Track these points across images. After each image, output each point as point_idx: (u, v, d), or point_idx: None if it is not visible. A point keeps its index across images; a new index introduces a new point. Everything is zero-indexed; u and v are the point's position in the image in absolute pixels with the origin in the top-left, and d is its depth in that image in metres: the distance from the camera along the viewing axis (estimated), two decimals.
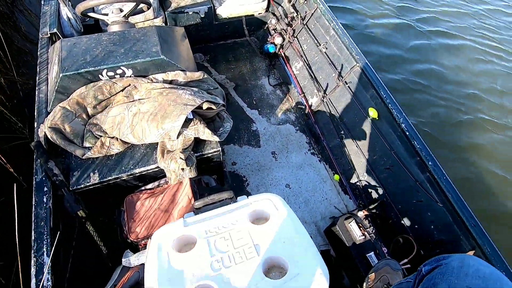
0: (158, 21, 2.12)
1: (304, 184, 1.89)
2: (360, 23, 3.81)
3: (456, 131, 2.86)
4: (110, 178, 1.26)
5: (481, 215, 1.32)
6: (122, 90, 1.36)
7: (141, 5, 1.64)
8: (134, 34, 1.43)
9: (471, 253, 1.24)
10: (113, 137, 1.29)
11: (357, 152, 1.80)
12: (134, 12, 1.74)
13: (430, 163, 1.38)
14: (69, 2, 1.88)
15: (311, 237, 1.70)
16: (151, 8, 2.03)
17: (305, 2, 2.26)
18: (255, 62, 2.55)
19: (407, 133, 1.48)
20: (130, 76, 1.37)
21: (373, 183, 1.71)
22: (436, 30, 3.90)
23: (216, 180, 1.57)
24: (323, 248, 1.66)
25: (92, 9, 1.92)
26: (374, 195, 1.70)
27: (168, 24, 2.24)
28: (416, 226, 1.48)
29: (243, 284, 0.74)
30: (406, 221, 1.53)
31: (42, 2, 1.86)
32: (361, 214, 1.48)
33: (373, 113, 1.68)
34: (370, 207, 1.52)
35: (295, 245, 0.85)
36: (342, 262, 1.54)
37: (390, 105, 1.58)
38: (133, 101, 1.35)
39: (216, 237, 0.90)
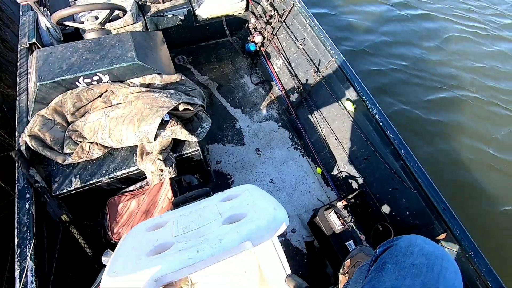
0: (138, 26, 2.15)
1: (287, 178, 1.93)
2: (341, 10, 3.88)
3: (433, 109, 2.95)
4: (91, 182, 1.29)
5: (453, 198, 1.37)
6: (100, 96, 1.39)
7: (117, 12, 1.67)
8: (109, 41, 1.46)
9: (442, 236, 1.30)
10: (92, 142, 1.33)
11: (337, 145, 1.85)
12: (112, 19, 1.77)
13: (402, 151, 1.43)
14: (48, 12, 1.91)
15: (295, 229, 1.75)
16: (130, 13, 2.07)
17: (283, 0, 2.30)
18: (237, 62, 2.59)
19: (381, 124, 1.53)
20: (107, 82, 1.41)
21: (353, 173, 1.76)
22: (415, 14, 3.97)
23: (199, 179, 1.62)
24: (307, 239, 1.70)
25: (72, 17, 1.95)
26: (354, 185, 1.75)
27: (148, 28, 2.27)
28: (393, 213, 1.54)
29: (202, 235, 0.72)
30: (384, 209, 1.58)
31: (21, 13, 1.89)
32: (340, 204, 1.53)
33: (349, 105, 1.73)
34: (349, 197, 1.56)
35: (260, 203, 0.81)
36: (325, 251, 1.59)
37: (364, 97, 1.62)
38: (111, 106, 1.38)
39: (185, 216, 0.88)
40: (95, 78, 1.37)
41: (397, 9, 4.00)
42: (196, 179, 1.57)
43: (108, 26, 1.91)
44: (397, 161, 1.49)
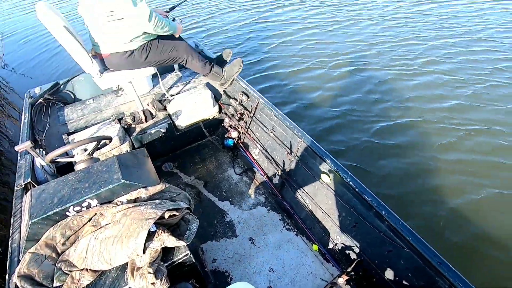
0: (125, 146, 2.39)
1: (286, 263, 1.89)
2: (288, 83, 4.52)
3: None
4: None
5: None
6: (89, 221, 1.47)
7: (103, 141, 1.90)
8: (97, 168, 1.62)
9: None
10: (82, 269, 1.34)
11: (325, 217, 1.89)
12: (99, 147, 1.99)
13: (383, 212, 1.49)
14: (44, 152, 2.14)
15: None
16: (117, 137, 2.33)
17: (249, 99, 2.66)
18: (219, 157, 2.80)
19: (357, 190, 1.62)
20: (96, 206, 1.51)
21: (347, 243, 1.75)
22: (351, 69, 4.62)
23: (195, 284, 1.57)
24: None
25: (65, 153, 2.18)
26: (352, 255, 1.72)
27: (134, 145, 2.52)
28: (397, 278, 1.48)
29: None
30: (387, 275, 1.53)
31: (18, 157, 2.11)
32: (341, 280, 1.48)
33: (326, 178, 1.85)
34: (348, 270, 1.53)
35: None
36: None
37: (336, 168, 1.76)
38: (100, 228, 1.45)
39: None
40: (84, 204, 1.47)
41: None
42: (191, 285, 1.53)
43: (97, 153, 2.13)
44: (382, 222, 1.53)
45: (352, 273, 1.54)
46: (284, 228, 2.11)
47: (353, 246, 1.71)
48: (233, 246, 2.02)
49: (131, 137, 2.49)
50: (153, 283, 1.29)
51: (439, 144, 3.24)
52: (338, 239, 1.81)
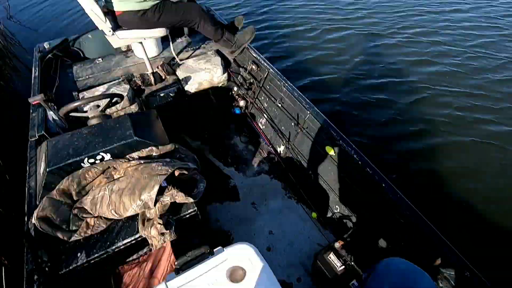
0: (134, 107, 2.41)
1: (286, 227, 1.99)
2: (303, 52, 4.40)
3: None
4: (97, 255, 1.36)
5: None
6: (103, 173, 1.54)
7: (115, 99, 1.93)
8: (110, 124, 1.67)
9: (438, 261, 1.34)
10: (97, 216, 1.43)
11: (326, 188, 1.96)
12: (111, 104, 2.02)
13: (383, 184, 1.55)
14: (54, 106, 2.17)
15: (300, 278, 1.76)
16: (127, 97, 2.35)
17: (258, 69, 2.65)
18: (226, 125, 2.83)
19: (359, 163, 1.68)
20: (109, 159, 1.57)
21: (345, 213, 1.84)
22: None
23: (199, 239, 1.68)
24: (314, 287, 1.69)
25: (77, 108, 2.21)
26: (349, 224, 1.81)
27: (144, 108, 2.54)
28: (389, 246, 1.58)
29: None
30: (381, 243, 1.62)
31: (31, 110, 2.15)
32: (337, 245, 1.58)
33: (329, 150, 1.90)
34: (345, 236, 1.62)
35: None
36: None
37: (341, 141, 1.80)
38: (113, 180, 1.52)
39: None
40: (98, 157, 1.53)
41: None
42: (196, 239, 1.64)
43: (108, 110, 2.16)
44: (381, 195, 1.60)
45: (348, 239, 1.63)
46: (285, 196, 2.19)
47: (351, 216, 1.80)
48: (235, 209, 2.11)
49: (140, 99, 2.50)
50: (162, 233, 1.39)
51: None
52: (337, 208, 1.90)
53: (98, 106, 1.85)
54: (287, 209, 2.10)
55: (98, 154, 1.52)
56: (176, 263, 1.19)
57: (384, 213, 1.58)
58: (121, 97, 1.89)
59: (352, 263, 1.51)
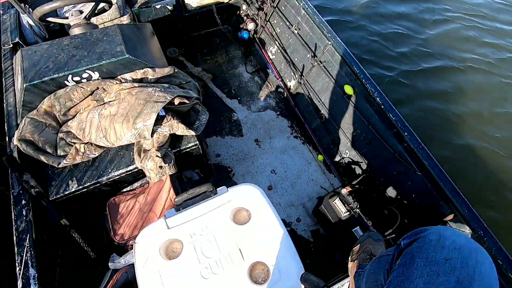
0: (125, 19, 2.06)
1: (289, 167, 1.90)
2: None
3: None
4: (89, 184, 1.25)
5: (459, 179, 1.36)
6: (91, 94, 1.34)
7: (102, 5, 1.59)
8: (96, 35, 1.39)
9: (450, 216, 1.28)
10: (87, 143, 1.28)
11: (338, 131, 1.81)
12: (97, 12, 1.69)
13: (406, 133, 1.40)
14: (29, 9, 1.82)
15: (300, 219, 1.74)
16: (116, 6, 1.98)
17: None
18: (231, 51, 2.52)
19: (382, 107, 1.49)
20: (98, 79, 1.35)
21: (355, 159, 1.74)
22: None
23: (200, 174, 1.58)
24: (312, 228, 1.69)
25: (56, 13, 1.86)
26: (358, 170, 1.73)
27: (136, 21, 2.19)
28: (399, 197, 1.52)
29: None
30: (389, 193, 1.56)
31: (1, 12, 1.80)
32: (344, 191, 1.50)
33: (348, 90, 1.68)
34: (353, 182, 1.54)
35: (276, 247, 0.92)
36: (331, 239, 1.58)
37: (364, 80, 1.58)
38: (103, 104, 1.33)
39: (201, 241, 0.95)
40: (85, 75, 1.31)
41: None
42: (196, 174, 1.54)
43: (93, 20, 1.83)
44: (400, 143, 1.46)
45: (356, 186, 1.56)
46: (291, 135, 2.06)
47: (361, 162, 1.70)
48: (237, 144, 1.99)
49: (132, 9, 2.13)
50: (161, 167, 1.26)
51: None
52: (347, 153, 1.79)
53: (81, 12, 1.53)
54: (292, 149, 1.98)
55: (84, 72, 1.29)
56: (176, 199, 1.09)
57: (400, 163, 1.46)
58: (109, 3, 1.55)
59: (358, 210, 1.46)
